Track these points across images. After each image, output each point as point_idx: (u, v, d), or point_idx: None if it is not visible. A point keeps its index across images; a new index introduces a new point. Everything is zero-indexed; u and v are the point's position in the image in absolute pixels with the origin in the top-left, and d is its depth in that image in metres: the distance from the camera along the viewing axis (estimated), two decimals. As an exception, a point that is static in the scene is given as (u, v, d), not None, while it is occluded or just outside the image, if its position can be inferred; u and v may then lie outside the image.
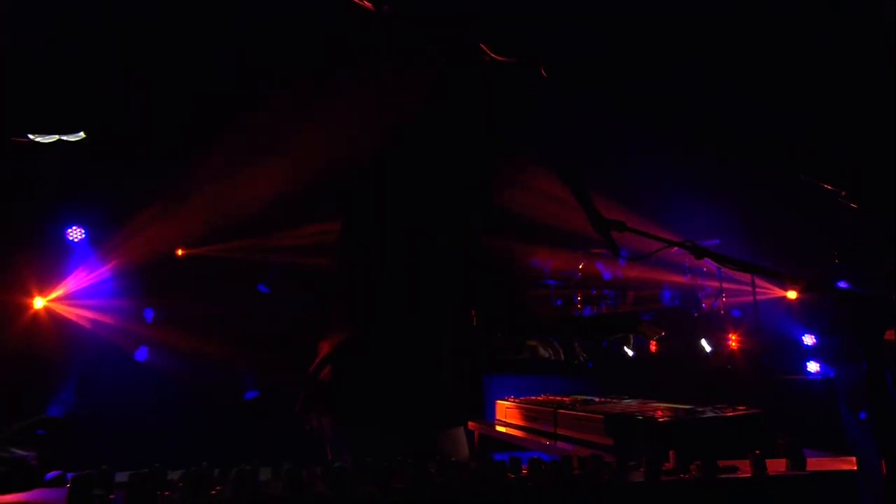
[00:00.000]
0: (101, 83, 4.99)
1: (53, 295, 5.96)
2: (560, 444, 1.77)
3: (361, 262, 1.84)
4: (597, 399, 2.13)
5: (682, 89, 5.68)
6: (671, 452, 1.14)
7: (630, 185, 7.27)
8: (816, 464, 1.27)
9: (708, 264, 7.22)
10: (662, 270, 7.88)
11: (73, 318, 6.00)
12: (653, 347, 6.80)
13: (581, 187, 1.93)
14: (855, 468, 1.32)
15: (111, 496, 0.94)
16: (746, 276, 6.94)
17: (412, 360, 1.73)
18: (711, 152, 6.50)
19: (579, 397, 2.19)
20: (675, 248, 1.77)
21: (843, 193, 1.42)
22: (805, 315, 7.29)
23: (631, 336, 7.12)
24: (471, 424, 2.45)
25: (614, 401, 2.05)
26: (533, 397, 2.35)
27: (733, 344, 6.91)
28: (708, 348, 6.87)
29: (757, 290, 7.06)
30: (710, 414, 1.55)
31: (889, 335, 1.89)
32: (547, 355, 2.22)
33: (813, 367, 6.21)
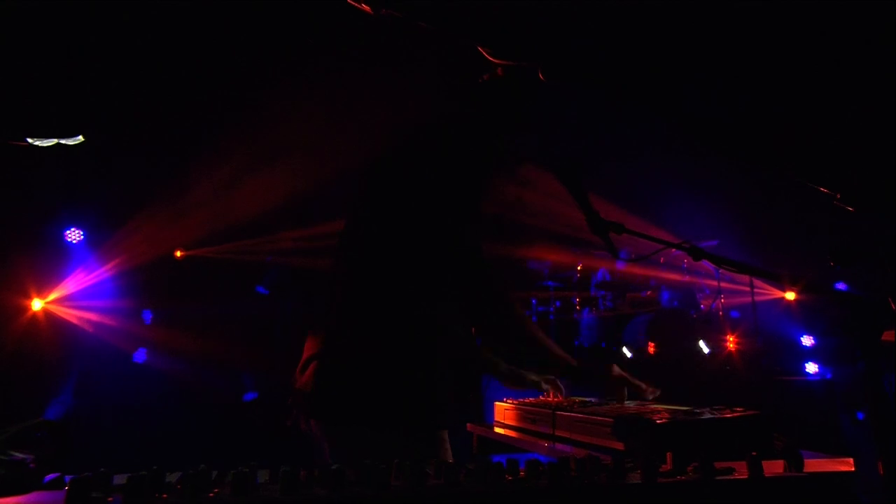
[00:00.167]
0: (100, 83, 4.99)
1: (52, 296, 5.96)
2: (559, 446, 1.77)
3: (361, 261, 1.85)
4: (594, 400, 2.12)
5: (682, 89, 5.69)
6: (668, 454, 1.14)
7: (630, 186, 7.28)
8: (814, 465, 1.27)
9: (706, 265, 7.22)
10: (661, 270, 7.88)
11: (72, 320, 6.00)
12: (651, 349, 6.80)
13: (580, 188, 1.93)
14: (852, 469, 1.32)
15: (109, 499, 0.94)
16: (745, 278, 6.94)
17: (394, 360, 1.72)
18: (711, 153, 6.51)
19: (577, 399, 2.19)
20: (674, 249, 1.77)
21: (839, 196, 1.42)
22: (803, 316, 7.31)
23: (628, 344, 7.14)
24: (469, 426, 2.45)
25: (612, 402, 2.04)
26: (531, 399, 2.35)
27: (731, 345, 6.91)
28: (706, 349, 6.87)
29: (755, 291, 7.06)
30: (708, 415, 1.55)
31: (887, 336, 1.89)
32: (546, 396, 2.24)
33: (811, 368, 6.22)
